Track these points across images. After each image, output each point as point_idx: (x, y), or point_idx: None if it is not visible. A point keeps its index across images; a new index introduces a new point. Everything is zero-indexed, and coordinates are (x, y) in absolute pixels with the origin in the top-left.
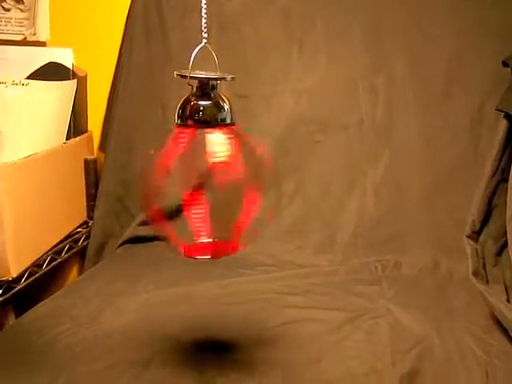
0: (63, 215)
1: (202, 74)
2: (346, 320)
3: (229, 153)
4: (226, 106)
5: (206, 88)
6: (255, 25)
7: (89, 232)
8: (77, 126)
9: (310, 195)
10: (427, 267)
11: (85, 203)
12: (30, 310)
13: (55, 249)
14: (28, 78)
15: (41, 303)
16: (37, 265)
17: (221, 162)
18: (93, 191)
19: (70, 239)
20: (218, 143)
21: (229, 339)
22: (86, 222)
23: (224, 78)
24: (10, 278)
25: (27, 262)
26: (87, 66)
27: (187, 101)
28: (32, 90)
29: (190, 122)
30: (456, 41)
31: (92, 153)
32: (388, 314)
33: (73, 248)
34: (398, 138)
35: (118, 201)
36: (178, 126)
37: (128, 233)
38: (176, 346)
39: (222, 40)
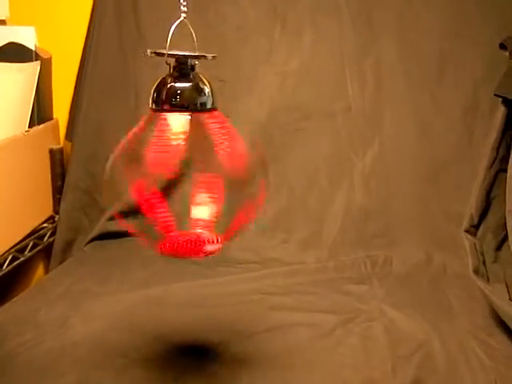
0: (27, 210)
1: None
2: (338, 323)
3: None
4: (207, 89)
5: (184, 68)
6: (234, 1)
7: (55, 228)
8: (41, 112)
9: (294, 187)
10: (419, 263)
11: (51, 196)
12: None
13: (18, 246)
14: None
15: (1, 309)
16: None
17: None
18: (59, 183)
19: (34, 235)
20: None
21: (209, 348)
22: (52, 217)
23: (204, 56)
24: None
25: None
26: (51, 47)
27: (163, 83)
28: None
29: (166, 107)
30: (449, 21)
31: (58, 142)
32: (382, 315)
33: (38, 245)
34: (387, 125)
35: (86, 194)
36: (153, 110)
37: (97, 228)
38: (151, 356)
39: (199, 18)
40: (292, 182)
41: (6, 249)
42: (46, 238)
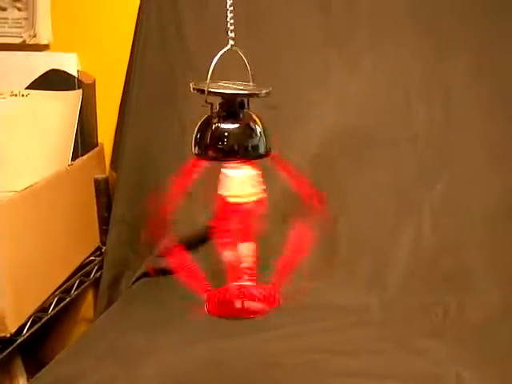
0: (72, 246)
1: (226, 88)
2: None
3: (259, 192)
4: (259, 129)
5: (232, 106)
6: (288, 22)
7: (102, 261)
8: (85, 139)
9: (355, 223)
10: (496, 310)
11: (97, 228)
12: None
13: (64, 286)
14: (28, 87)
15: (44, 370)
16: (41, 309)
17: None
18: (105, 214)
19: (80, 272)
20: (243, 183)
21: None
22: (99, 248)
23: (256, 94)
24: (8, 335)
25: (29, 311)
26: (95, 71)
27: (207, 123)
28: (33, 102)
29: (210, 153)
30: None
31: (103, 169)
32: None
33: (84, 282)
34: (458, 156)
35: (133, 227)
36: (197, 156)
37: (146, 264)
38: None
39: (249, 41)
40: (352, 217)
41: (51, 292)
42: (92, 274)
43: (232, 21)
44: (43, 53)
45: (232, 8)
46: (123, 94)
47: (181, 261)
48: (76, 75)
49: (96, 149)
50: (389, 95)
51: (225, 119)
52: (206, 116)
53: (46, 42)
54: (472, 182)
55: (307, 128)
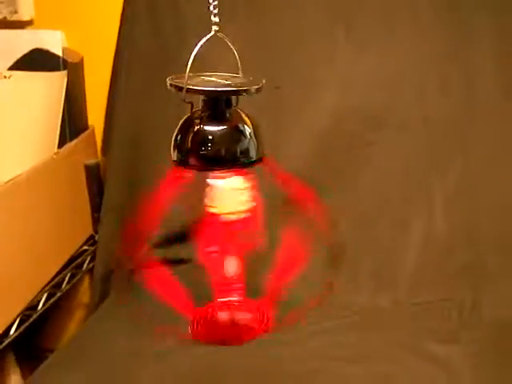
0: (63, 237)
1: (209, 83)
2: None
3: (249, 204)
4: (249, 131)
5: (216, 104)
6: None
7: (95, 250)
8: (74, 122)
9: (362, 213)
10: None
11: (89, 215)
12: None
13: (54, 281)
14: (10, 68)
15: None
16: (30, 307)
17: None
18: (97, 201)
19: (72, 264)
20: (230, 194)
21: None
22: (92, 237)
23: (245, 91)
24: None
25: (16, 310)
26: (83, 48)
27: (188, 124)
28: (17, 84)
29: (192, 160)
30: None
31: (95, 153)
32: None
33: (76, 275)
34: (474, 140)
35: (126, 215)
36: (176, 164)
37: (141, 256)
38: None
39: (251, 19)
40: (359, 206)
41: (40, 287)
42: (85, 265)
43: (216, 2)
44: (25, 30)
45: None
46: (112, 71)
47: (159, 277)
48: (61, 54)
49: (86, 132)
50: (399, 77)
51: (209, 120)
52: (186, 116)
53: (28, 18)
54: (489, 170)
55: (309, 110)
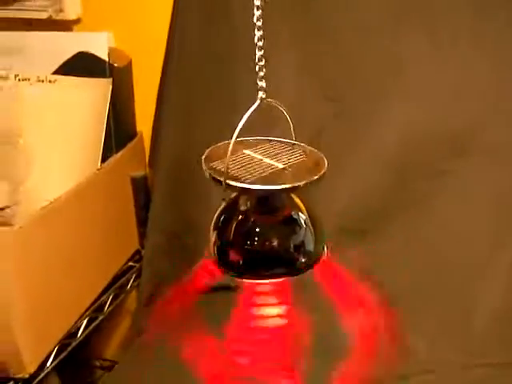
0: (107, 256)
1: (255, 167)
2: None
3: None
4: (303, 220)
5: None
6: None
7: (140, 269)
8: (121, 129)
9: (434, 250)
10: None
11: (135, 229)
12: None
13: (97, 303)
14: (55, 73)
15: None
16: (69, 335)
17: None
18: (144, 214)
19: (116, 285)
20: None
21: None
22: (138, 252)
23: (296, 187)
24: (27, 375)
25: (53, 342)
26: (132, 50)
27: (230, 212)
28: (61, 90)
29: (234, 257)
30: None
31: (143, 162)
32: None
33: (119, 295)
34: None
35: (173, 236)
36: (215, 262)
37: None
38: None
39: (305, 13)
40: (430, 243)
41: (80, 313)
42: (130, 284)
43: (262, 63)
44: (71, 33)
45: (261, 43)
46: (162, 75)
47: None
48: (107, 58)
49: (133, 141)
50: (485, 89)
51: (255, 209)
52: (226, 201)
53: (74, 17)
54: None
55: (375, 128)
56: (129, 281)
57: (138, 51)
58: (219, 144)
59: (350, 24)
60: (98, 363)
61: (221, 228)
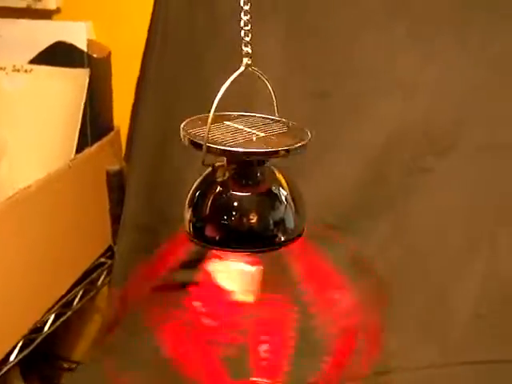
0: (78, 250)
1: (235, 134)
2: None
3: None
4: (285, 193)
5: (245, 163)
6: None
7: (111, 266)
8: (98, 122)
9: (412, 248)
10: None
11: (109, 225)
12: None
13: (65, 298)
14: (31, 62)
15: None
16: (35, 329)
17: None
18: (118, 211)
19: (86, 280)
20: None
21: None
22: (110, 248)
23: (285, 151)
24: None
25: (19, 334)
26: (111, 42)
27: (206, 185)
28: (37, 79)
29: (210, 232)
30: None
31: (119, 157)
32: None
33: (90, 291)
34: None
35: (148, 232)
36: (190, 237)
37: (162, 276)
38: None
39: (293, 10)
40: (409, 240)
41: (51, 305)
42: (100, 280)
43: (248, 27)
44: (49, 21)
45: (247, 7)
46: (141, 69)
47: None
48: (85, 48)
49: (110, 134)
50: (474, 82)
51: (234, 181)
52: (207, 171)
53: (53, 7)
54: None
55: (362, 122)
56: (100, 277)
57: (117, 44)
58: (198, 116)
59: (336, 19)
60: (65, 365)
61: (196, 204)
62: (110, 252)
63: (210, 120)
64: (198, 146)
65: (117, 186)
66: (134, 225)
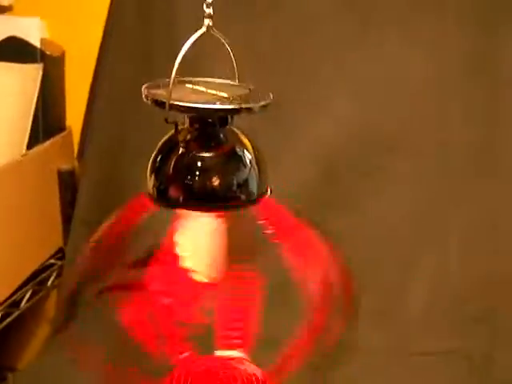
0: (27, 249)
1: (198, 95)
2: None
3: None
4: (249, 157)
5: (207, 124)
6: None
7: (62, 266)
8: (50, 121)
9: (365, 245)
10: None
11: (60, 225)
12: None
13: (12, 298)
14: None
15: None
16: None
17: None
18: (70, 211)
19: (35, 280)
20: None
21: None
22: (61, 250)
23: (239, 110)
24: None
25: None
26: (65, 41)
27: (169, 147)
28: None
29: (174, 193)
30: None
31: (71, 157)
32: None
33: (39, 292)
34: (503, 168)
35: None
36: (151, 199)
37: (114, 276)
38: None
39: (239, 12)
40: (361, 237)
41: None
42: (50, 281)
43: None
44: (1, 16)
45: None
46: (96, 68)
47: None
48: (39, 45)
49: (61, 133)
50: (419, 87)
51: (197, 142)
52: (170, 133)
53: (6, 4)
54: None
55: (313, 127)
56: (49, 278)
57: (71, 44)
58: (158, 80)
59: (288, 13)
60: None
61: (158, 167)
62: (60, 253)
63: (172, 78)
64: (160, 105)
65: (69, 186)
66: (84, 222)
